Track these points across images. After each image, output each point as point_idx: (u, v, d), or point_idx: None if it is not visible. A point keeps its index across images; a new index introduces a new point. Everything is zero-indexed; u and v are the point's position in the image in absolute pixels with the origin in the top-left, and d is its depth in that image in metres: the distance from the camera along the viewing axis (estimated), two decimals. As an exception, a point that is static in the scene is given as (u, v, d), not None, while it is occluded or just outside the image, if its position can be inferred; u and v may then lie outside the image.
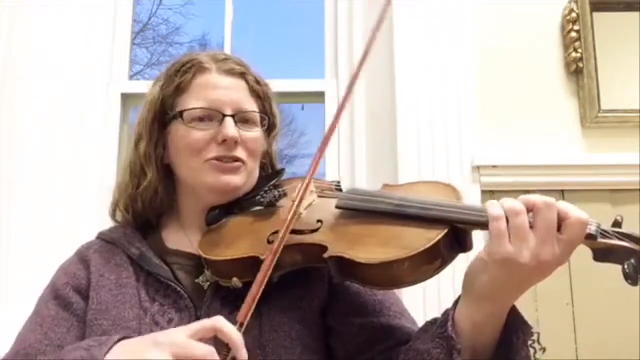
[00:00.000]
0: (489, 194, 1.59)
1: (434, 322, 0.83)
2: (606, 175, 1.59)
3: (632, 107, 1.62)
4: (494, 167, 1.58)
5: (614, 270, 0.72)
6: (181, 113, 0.93)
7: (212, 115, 0.93)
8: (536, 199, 0.72)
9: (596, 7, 1.67)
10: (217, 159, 0.92)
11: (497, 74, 1.67)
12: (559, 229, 0.71)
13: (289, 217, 0.80)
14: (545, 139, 1.64)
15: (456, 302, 0.79)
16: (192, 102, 0.94)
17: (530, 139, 1.64)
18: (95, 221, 1.67)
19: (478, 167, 1.58)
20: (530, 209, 0.72)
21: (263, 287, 0.74)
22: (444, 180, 1.51)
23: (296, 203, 0.82)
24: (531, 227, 0.71)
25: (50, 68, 1.73)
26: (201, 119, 0.93)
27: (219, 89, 0.95)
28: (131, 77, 1.95)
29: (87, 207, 1.70)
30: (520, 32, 1.70)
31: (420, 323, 0.94)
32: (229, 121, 0.93)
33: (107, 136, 1.77)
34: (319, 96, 1.84)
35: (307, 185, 0.84)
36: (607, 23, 1.67)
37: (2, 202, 1.59)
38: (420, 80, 1.62)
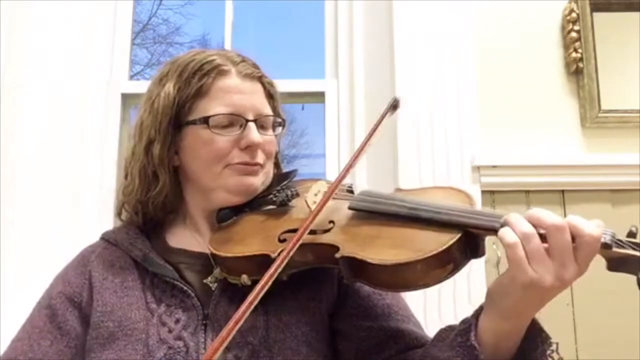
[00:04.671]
0: (489, 194, 1.59)
1: (449, 329, 0.83)
2: (606, 175, 1.59)
3: (632, 107, 1.62)
4: (494, 167, 1.58)
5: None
6: (206, 119, 0.91)
7: (235, 121, 0.92)
8: (545, 218, 0.70)
9: (596, 7, 1.67)
10: (240, 164, 0.92)
11: (497, 73, 1.67)
12: (574, 243, 0.69)
13: (309, 219, 0.78)
14: (545, 139, 1.64)
15: (477, 313, 0.78)
16: (216, 107, 0.92)
17: (530, 139, 1.64)
18: (96, 221, 1.67)
19: (478, 167, 1.57)
20: (538, 225, 0.70)
21: (259, 298, 0.69)
22: (444, 181, 1.54)
23: (319, 205, 0.81)
24: (547, 250, 0.69)
25: (50, 68, 1.73)
26: (225, 125, 0.92)
27: (241, 94, 0.93)
28: (131, 77, 1.95)
29: (87, 207, 1.70)
30: (520, 32, 1.70)
31: (421, 325, 0.95)
32: (253, 126, 0.92)
33: (107, 136, 1.77)
34: (319, 96, 1.84)
35: (334, 189, 0.83)
36: (607, 23, 1.67)
37: (2, 201, 1.59)
38: (420, 80, 1.62)
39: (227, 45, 1.89)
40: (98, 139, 1.76)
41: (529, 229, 0.70)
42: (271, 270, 0.72)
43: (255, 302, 0.68)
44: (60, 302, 0.92)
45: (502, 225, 0.72)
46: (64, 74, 1.74)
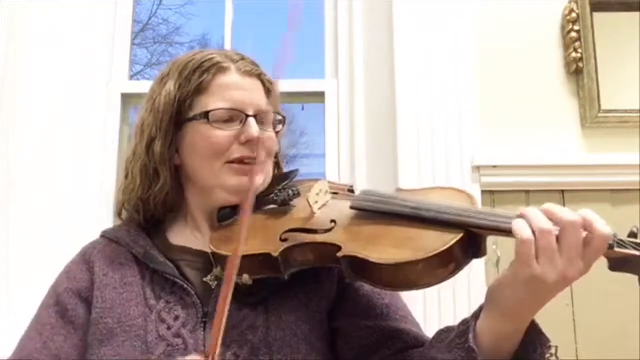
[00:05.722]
0: (489, 194, 1.59)
1: (448, 330, 0.83)
2: (606, 175, 1.59)
3: (632, 107, 1.62)
4: (494, 167, 1.58)
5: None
6: (206, 114, 0.92)
7: (235, 116, 0.93)
8: (562, 215, 0.69)
9: (596, 7, 1.67)
10: (240, 160, 0.92)
11: (497, 73, 1.67)
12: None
13: (243, 226, 0.76)
14: (545, 139, 1.64)
15: (476, 314, 0.78)
16: (216, 102, 0.92)
17: (530, 138, 1.64)
18: (96, 221, 1.67)
19: (478, 167, 1.57)
20: (554, 222, 0.70)
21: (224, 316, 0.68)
22: (444, 181, 1.54)
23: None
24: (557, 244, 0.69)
25: (50, 68, 1.73)
26: (225, 120, 0.92)
27: (241, 90, 0.94)
28: (131, 77, 1.95)
29: (87, 207, 1.70)
30: (520, 32, 1.70)
31: (420, 325, 0.95)
32: (253, 121, 0.93)
33: (107, 136, 1.77)
34: (319, 96, 1.83)
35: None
36: (607, 23, 1.67)
37: (2, 201, 1.59)
38: (420, 80, 1.62)
39: (227, 45, 1.89)
40: (98, 139, 1.76)
41: (548, 225, 0.69)
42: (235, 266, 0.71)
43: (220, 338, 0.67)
44: (68, 297, 0.93)
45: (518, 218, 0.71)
46: (64, 74, 1.74)
